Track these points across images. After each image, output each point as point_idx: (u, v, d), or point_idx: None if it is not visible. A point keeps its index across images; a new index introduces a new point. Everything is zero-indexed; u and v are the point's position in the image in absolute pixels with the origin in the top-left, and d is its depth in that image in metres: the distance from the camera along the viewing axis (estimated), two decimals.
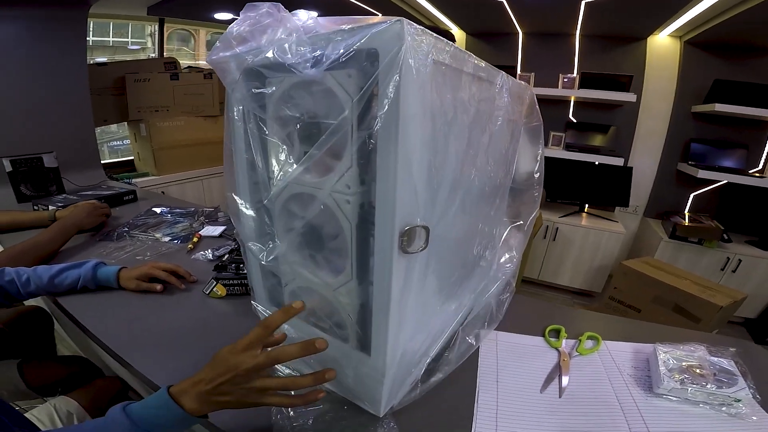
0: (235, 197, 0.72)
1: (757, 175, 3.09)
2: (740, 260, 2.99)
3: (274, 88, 0.58)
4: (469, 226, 0.78)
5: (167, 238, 1.63)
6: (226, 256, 1.29)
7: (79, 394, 1.15)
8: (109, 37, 4.29)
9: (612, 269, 3.35)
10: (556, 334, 1.05)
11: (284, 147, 0.60)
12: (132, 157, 3.60)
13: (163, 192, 3.06)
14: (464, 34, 3.84)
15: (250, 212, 0.72)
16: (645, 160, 3.53)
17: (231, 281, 1.18)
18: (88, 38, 2.62)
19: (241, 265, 1.19)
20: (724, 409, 0.79)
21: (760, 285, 2.99)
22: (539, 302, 1.27)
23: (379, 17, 0.46)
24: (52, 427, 1.00)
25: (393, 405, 0.75)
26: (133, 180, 3.05)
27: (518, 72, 3.62)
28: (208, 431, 0.74)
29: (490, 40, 3.77)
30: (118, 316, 1.08)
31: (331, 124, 0.52)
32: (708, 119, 3.25)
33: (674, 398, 0.82)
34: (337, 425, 0.73)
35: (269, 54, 0.52)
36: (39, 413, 1.03)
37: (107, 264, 1.22)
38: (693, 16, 2.65)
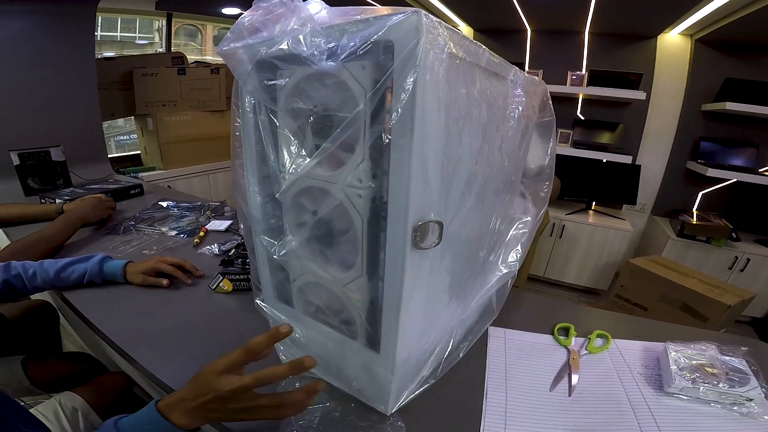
0: (244, 190, 0.72)
1: (767, 173, 3.06)
2: (749, 259, 2.97)
3: (286, 79, 0.58)
4: (482, 222, 0.78)
5: (174, 232, 1.63)
6: (232, 251, 1.29)
7: (85, 390, 1.16)
8: (117, 32, 4.29)
9: (619, 267, 3.33)
10: (565, 332, 1.04)
11: (295, 140, 0.60)
12: (139, 152, 3.62)
13: (169, 186, 3.06)
14: (471, 30, 3.82)
15: (259, 206, 0.71)
16: (653, 158, 3.51)
17: (237, 276, 1.17)
18: (96, 33, 2.63)
19: (248, 260, 1.19)
20: (735, 408, 0.78)
21: None
22: (547, 300, 1.26)
23: (393, 8, 0.45)
24: (57, 423, 1.01)
25: (401, 403, 0.74)
26: (140, 174, 3.07)
27: (526, 69, 3.59)
28: (216, 430, 0.74)
29: (497, 36, 3.74)
30: (124, 311, 1.08)
31: (344, 116, 0.52)
32: (718, 118, 3.23)
33: (685, 397, 0.81)
34: (344, 423, 0.72)
35: (283, 45, 0.51)
36: (44, 409, 1.03)
37: (113, 258, 1.22)
38: (705, 14, 2.62)
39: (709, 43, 3.08)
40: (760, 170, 3.12)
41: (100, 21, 2.54)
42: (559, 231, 3.43)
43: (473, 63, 0.58)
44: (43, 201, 1.93)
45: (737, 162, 3.16)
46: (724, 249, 3.02)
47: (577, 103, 3.64)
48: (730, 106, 2.89)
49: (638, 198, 3.45)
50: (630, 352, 0.97)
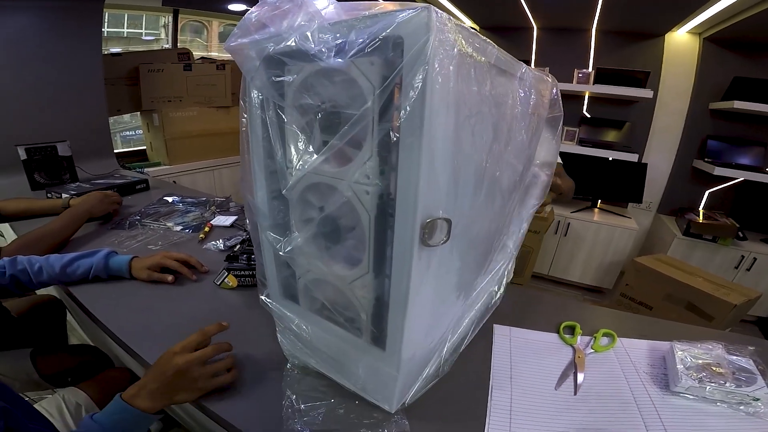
0: (251, 186, 0.72)
1: None
2: (755, 258, 2.95)
3: (294, 76, 0.57)
4: (490, 219, 0.77)
5: (179, 228, 1.64)
6: (237, 247, 1.29)
7: (89, 385, 1.16)
8: (123, 28, 4.30)
9: (624, 266, 3.31)
10: (571, 330, 1.04)
11: (303, 136, 0.60)
12: (144, 147, 3.62)
13: (174, 181, 3.07)
14: (477, 27, 3.80)
15: (265, 202, 0.71)
16: (660, 157, 3.49)
17: (242, 272, 1.18)
18: (102, 29, 2.64)
19: (253, 256, 1.19)
20: (742, 408, 0.78)
21: None
22: (553, 298, 1.26)
23: (402, 3, 0.45)
24: (61, 419, 1.02)
25: (405, 401, 0.74)
26: (145, 169, 3.07)
27: (533, 66, 3.56)
28: (223, 429, 0.75)
29: (503, 34, 3.72)
30: (129, 306, 1.08)
31: (352, 113, 0.51)
32: (726, 116, 3.20)
33: (691, 396, 0.81)
34: (348, 420, 0.72)
35: (291, 42, 0.51)
36: (48, 405, 1.04)
37: (119, 253, 1.22)
38: (713, 13, 2.60)
39: (718, 41, 3.05)
40: (767, 169, 3.09)
41: (106, 17, 2.56)
42: (564, 229, 3.42)
43: (482, 60, 0.57)
44: (49, 195, 1.94)
45: (744, 161, 3.14)
46: (731, 248, 3.00)
47: (584, 101, 3.62)
48: (739, 104, 2.87)
49: (644, 196, 3.43)
50: (636, 351, 0.97)
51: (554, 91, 0.92)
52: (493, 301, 0.98)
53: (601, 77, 3.29)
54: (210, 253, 1.41)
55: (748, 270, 2.98)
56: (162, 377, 0.73)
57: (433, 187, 0.52)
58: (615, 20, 3.09)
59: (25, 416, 0.70)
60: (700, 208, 3.43)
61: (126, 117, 3.54)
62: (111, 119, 2.92)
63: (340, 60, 0.48)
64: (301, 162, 0.60)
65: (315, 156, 0.58)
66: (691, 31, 3.15)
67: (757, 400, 0.77)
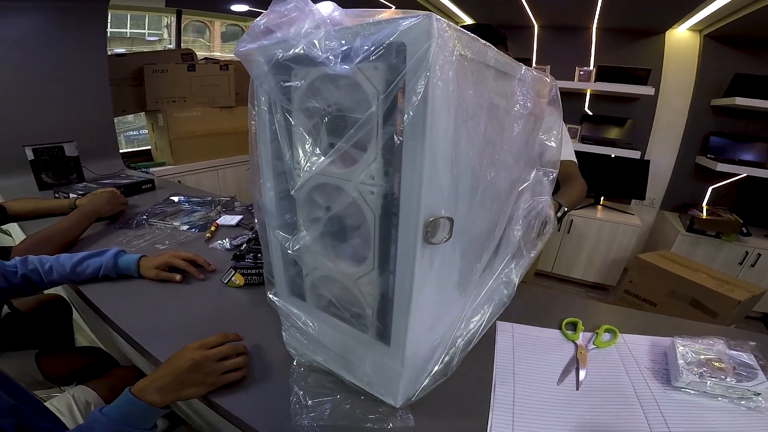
0: (260, 187, 0.73)
1: None
2: (759, 254, 2.95)
3: (301, 80, 0.59)
4: (488, 217, 0.79)
5: (185, 227, 1.65)
6: (244, 246, 1.30)
7: (98, 383, 1.18)
8: (126, 28, 4.33)
9: (627, 263, 3.32)
10: (573, 326, 1.05)
11: (310, 138, 0.61)
12: (148, 147, 3.65)
13: (179, 181, 3.10)
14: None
15: (273, 201, 0.73)
16: (662, 153, 3.49)
17: (249, 271, 1.19)
18: (106, 29, 2.65)
19: (259, 255, 1.21)
20: (743, 402, 0.79)
21: None
22: (555, 294, 1.27)
23: (405, 11, 0.46)
24: (71, 417, 1.03)
25: (409, 396, 0.75)
26: (150, 169, 3.09)
27: (534, 65, 3.58)
28: (231, 424, 0.76)
29: (504, 32, 3.71)
30: (138, 305, 1.10)
31: (357, 116, 0.53)
32: (727, 113, 3.20)
33: (692, 391, 0.82)
34: (354, 415, 0.74)
35: (299, 49, 0.53)
36: (58, 403, 1.05)
37: (127, 252, 1.24)
38: (714, 10, 2.60)
39: (719, 38, 3.05)
40: None
41: (109, 17, 2.57)
42: (567, 226, 3.42)
43: (481, 63, 0.59)
44: (56, 195, 1.97)
45: (747, 157, 3.14)
46: (735, 244, 3.01)
47: (585, 98, 3.62)
48: (740, 101, 2.87)
49: (647, 193, 3.43)
50: (637, 346, 0.98)
51: (553, 91, 0.93)
52: (503, 303, 0.99)
53: (603, 75, 3.29)
54: (216, 252, 1.42)
55: (753, 266, 2.99)
56: (175, 371, 0.75)
57: (436, 187, 0.54)
58: (616, 18, 3.09)
59: (35, 414, 0.72)
60: (704, 204, 3.43)
61: (129, 117, 3.57)
62: (115, 120, 2.94)
63: (346, 67, 0.50)
64: (308, 163, 0.62)
65: (322, 158, 0.60)
66: (692, 28, 3.15)
67: (758, 395, 0.78)
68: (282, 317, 0.85)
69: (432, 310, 0.68)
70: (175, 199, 2.01)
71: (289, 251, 0.71)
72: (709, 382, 0.80)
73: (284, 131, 0.64)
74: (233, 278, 1.19)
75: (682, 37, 3.22)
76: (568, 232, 3.43)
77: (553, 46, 3.59)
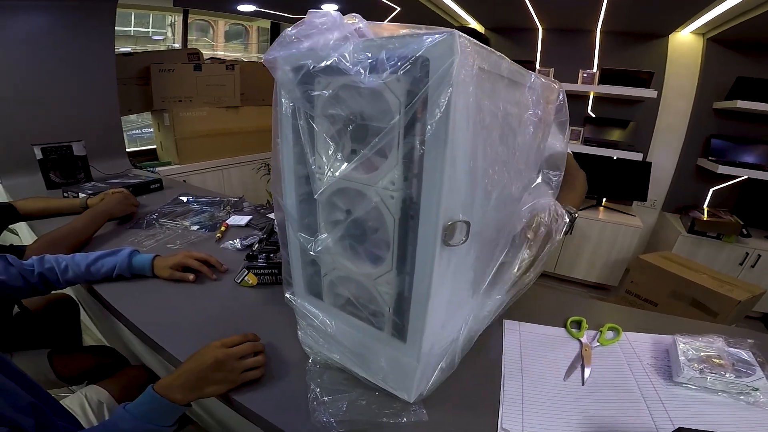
0: (281, 190, 0.77)
1: None
2: (759, 255, 2.98)
3: (325, 88, 0.62)
4: (500, 221, 0.82)
5: (195, 227, 1.67)
6: (256, 246, 1.32)
7: (109, 383, 1.19)
8: (130, 26, 4.35)
9: (629, 263, 3.34)
10: (578, 325, 1.08)
11: (333, 144, 0.65)
12: (153, 146, 3.67)
13: (184, 180, 3.11)
14: (483, 28, 3.83)
15: (295, 204, 0.76)
16: (664, 156, 3.52)
17: (262, 270, 1.21)
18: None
19: (272, 255, 1.23)
20: (742, 397, 0.82)
21: None
22: (560, 294, 1.30)
23: (428, 27, 0.50)
24: (84, 416, 1.05)
25: (422, 392, 0.78)
26: (156, 169, 3.12)
27: (537, 67, 3.62)
28: (243, 423, 0.79)
29: (509, 35, 3.76)
30: (153, 304, 1.12)
31: (379, 125, 0.57)
32: (729, 116, 3.23)
33: (693, 387, 0.85)
34: (370, 410, 0.76)
35: (331, 62, 0.56)
36: (71, 402, 1.07)
37: (141, 252, 1.25)
38: (718, 14, 2.62)
39: (721, 42, 3.08)
40: None
41: None
42: (569, 227, 3.43)
43: (497, 74, 0.62)
44: (66, 195, 1.98)
45: (748, 159, 3.17)
46: (735, 245, 3.04)
47: (588, 100, 3.65)
48: (742, 104, 2.91)
49: (649, 194, 3.46)
50: (640, 344, 1.01)
51: (560, 96, 0.96)
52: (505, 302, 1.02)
53: (606, 77, 3.33)
54: (228, 252, 1.44)
55: (753, 266, 3.02)
56: (198, 369, 0.77)
57: (454, 193, 0.57)
58: (619, 21, 3.12)
59: (53, 413, 0.74)
60: (705, 206, 3.46)
61: (132, 116, 3.58)
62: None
63: (374, 79, 0.53)
64: (331, 168, 0.65)
65: (345, 164, 0.63)
66: (695, 32, 3.18)
67: (756, 390, 0.82)
68: (298, 316, 0.88)
69: (447, 308, 0.71)
70: (184, 199, 2.03)
71: (311, 252, 0.74)
72: (709, 377, 0.83)
73: (307, 136, 0.67)
74: (246, 278, 1.21)
75: (685, 41, 3.25)
76: (571, 233, 3.44)
77: (558, 48, 3.62)
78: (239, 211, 1.88)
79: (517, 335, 1.03)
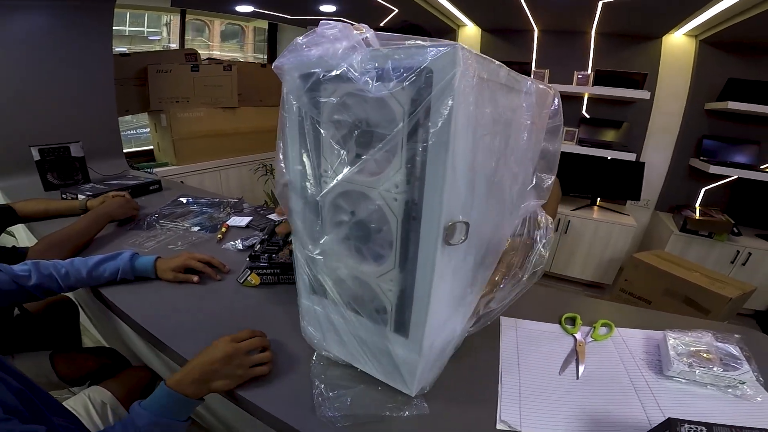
0: (287, 190, 0.79)
1: None
2: (750, 253, 3.03)
3: (331, 94, 0.65)
4: (496, 221, 0.84)
5: (196, 228, 1.68)
6: (257, 246, 1.33)
7: (112, 384, 1.20)
8: (125, 26, 4.34)
9: (623, 262, 3.39)
10: (572, 321, 1.11)
11: (337, 147, 0.67)
12: (149, 147, 3.66)
13: (182, 181, 3.10)
14: (479, 29, 3.87)
15: (299, 205, 0.79)
16: (657, 156, 3.56)
17: (264, 270, 1.23)
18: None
19: (274, 255, 1.25)
20: (729, 390, 0.86)
21: None
22: (555, 292, 1.33)
23: (432, 40, 0.53)
24: (88, 417, 1.06)
25: (424, 386, 0.81)
26: (153, 169, 3.12)
27: (532, 68, 3.66)
28: (248, 420, 0.82)
29: (504, 36, 3.80)
30: (157, 306, 1.12)
31: (383, 131, 0.60)
32: (721, 116, 3.28)
33: (683, 380, 0.89)
34: (373, 404, 0.79)
35: (340, 71, 0.59)
36: (74, 403, 1.08)
37: (141, 254, 1.25)
38: (710, 16, 2.66)
39: (714, 43, 3.13)
40: (761, 167, 3.18)
41: None
42: (564, 226, 3.49)
43: (495, 82, 0.65)
44: (64, 196, 1.97)
45: (739, 159, 3.23)
46: (726, 243, 3.08)
47: (583, 101, 3.70)
48: (733, 105, 2.95)
49: (642, 194, 3.50)
50: (632, 339, 1.04)
51: (555, 101, 0.98)
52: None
53: (600, 79, 3.37)
54: (229, 253, 1.45)
55: (744, 264, 3.07)
56: (208, 362, 0.79)
57: (454, 195, 0.60)
58: (614, 23, 3.15)
59: (51, 412, 0.76)
60: (697, 205, 3.51)
61: (128, 117, 3.58)
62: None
63: (381, 89, 0.56)
64: (335, 171, 0.68)
65: (349, 167, 0.66)
66: (688, 34, 3.22)
67: (743, 383, 0.85)
68: (302, 313, 0.90)
69: (446, 305, 0.74)
70: (183, 200, 2.03)
71: (315, 252, 0.77)
72: (698, 371, 0.86)
73: (312, 140, 0.70)
74: (249, 278, 1.23)
75: (678, 43, 3.29)
76: (566, 232, 3.50)
77: (553, 50, 3.66)
78: (239, 212, 1.89)
79: (513, 331, 1.06)
